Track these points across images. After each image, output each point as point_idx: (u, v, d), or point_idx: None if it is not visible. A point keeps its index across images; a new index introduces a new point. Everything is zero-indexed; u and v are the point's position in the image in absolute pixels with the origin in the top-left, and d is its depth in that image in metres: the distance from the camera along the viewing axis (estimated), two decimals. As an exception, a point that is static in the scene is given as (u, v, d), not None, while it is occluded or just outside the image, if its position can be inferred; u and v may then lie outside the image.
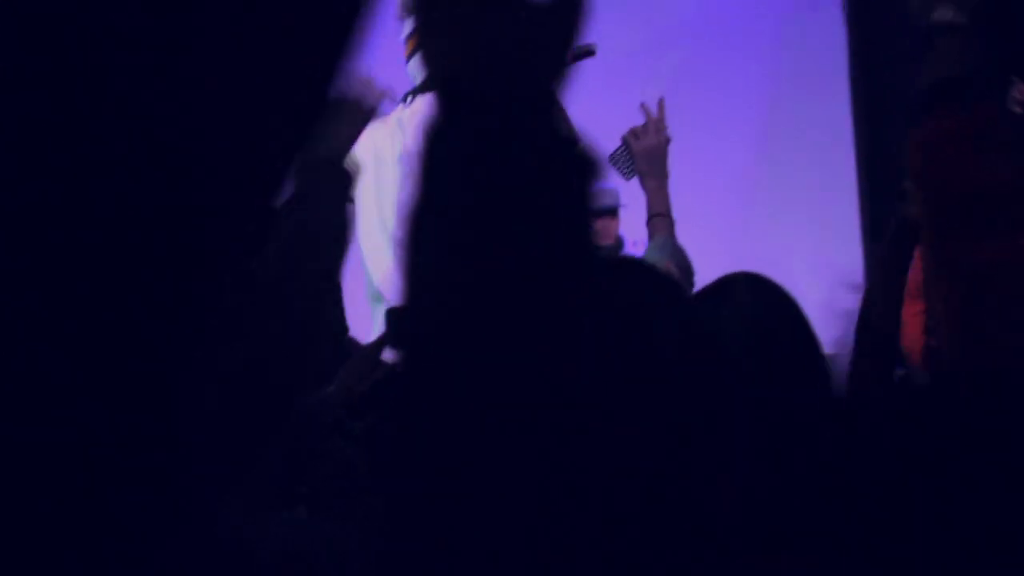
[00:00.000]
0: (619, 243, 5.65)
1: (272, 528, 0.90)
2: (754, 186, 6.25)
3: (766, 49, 6.36)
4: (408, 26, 3.98)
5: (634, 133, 3.60)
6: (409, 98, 3.91)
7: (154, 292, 0.76)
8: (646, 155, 3.53)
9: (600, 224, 5.71)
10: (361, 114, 2.14)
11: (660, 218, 3.40)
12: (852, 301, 6.17)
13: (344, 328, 3.01)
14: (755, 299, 1.87)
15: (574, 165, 1.08)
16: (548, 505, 1.25)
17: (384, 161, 3.92)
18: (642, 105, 3.61)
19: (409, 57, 3.96)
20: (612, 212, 5.72)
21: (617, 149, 3.92)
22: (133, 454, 0.78)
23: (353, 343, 2.91)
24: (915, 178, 2.11)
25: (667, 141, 3.50)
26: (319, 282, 1.84)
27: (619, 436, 1.36)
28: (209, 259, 0.79)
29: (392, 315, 2.47)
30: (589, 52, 3.88)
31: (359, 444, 2.18)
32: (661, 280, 1.58)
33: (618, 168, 4.09)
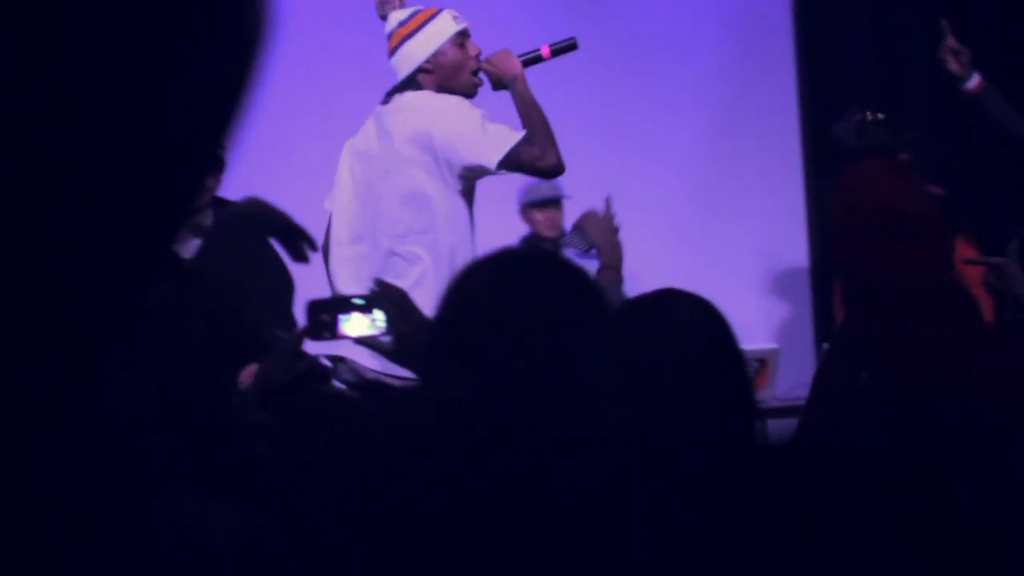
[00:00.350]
0: (562, 235, 5.64)
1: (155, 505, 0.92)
2: (703, 181, 6.26)
3: (716, 48, 6.37)
4: (390, 23, 3.97)
5: (587, 218, 3.77)
6: (392, 96, 3.87)
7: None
8: (602, 233, 3.69)
9: (544, 215, 5.73)
10: None
11: (609, 270, 3.56)
12: (798, 292, 6.25)
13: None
14: (684, 318, 1.93)
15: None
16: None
17: (353, 171, 3.90)
18: (607, 199, 3.78)
19: (391, 53, 3.93)
20: (556, 203, 5.72)
21: (571, 232, 4.00)
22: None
23: (276, 336, 2.92)
24: (837, 208, 2.73)
25: (616, 230, 3.69)
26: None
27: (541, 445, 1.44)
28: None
29: (313, 307, 2.46)
30: (572, 46, 3.97)
31: (263, 435, 2.18)
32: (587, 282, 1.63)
33: (575, 247, 4.16)
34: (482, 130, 3.68)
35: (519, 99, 3.82)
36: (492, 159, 3.66)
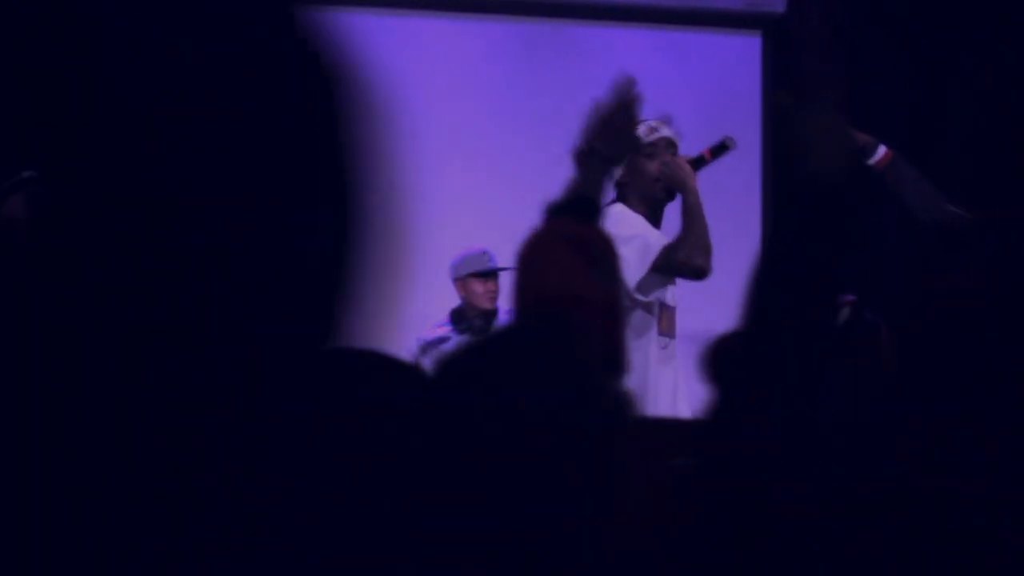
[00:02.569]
0: (496, 311, 5.35)
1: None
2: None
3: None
4: None
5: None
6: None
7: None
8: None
9: (486, 287, 5.45)
10: None
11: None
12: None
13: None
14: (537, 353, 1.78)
15: None
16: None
17: None
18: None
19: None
20: (494, 275, 5.42)
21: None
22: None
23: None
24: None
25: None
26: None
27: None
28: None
29: None
30: (726, 147, 4.26)
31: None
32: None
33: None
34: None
35: (686, 207, 4.18)
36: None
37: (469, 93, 6.41)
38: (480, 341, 1.80)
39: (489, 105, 6.40)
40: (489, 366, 1.66)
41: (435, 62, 6.38)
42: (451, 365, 1.70)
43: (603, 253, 2.21)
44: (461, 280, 5.46)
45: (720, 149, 4.27)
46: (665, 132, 4.31)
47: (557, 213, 2.23)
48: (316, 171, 0.86)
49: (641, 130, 4.23)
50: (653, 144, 4.26)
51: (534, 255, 2.17)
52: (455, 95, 6.34)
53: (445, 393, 1.62)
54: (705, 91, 6.40)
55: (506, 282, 5.39)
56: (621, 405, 1.65)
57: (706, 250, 4.13)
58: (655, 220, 4.26)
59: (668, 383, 4.16)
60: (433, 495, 1.49)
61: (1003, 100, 2.19)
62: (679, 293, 4.29)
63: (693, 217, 4.15)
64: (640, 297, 4.12)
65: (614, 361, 2.10)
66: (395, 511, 1.39)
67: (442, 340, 5.29)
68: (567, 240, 2.18)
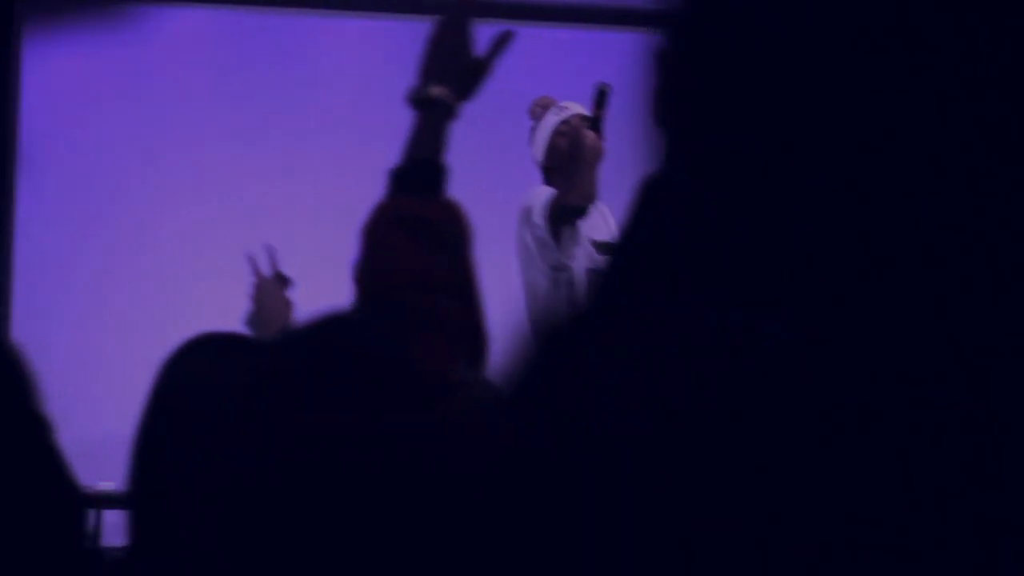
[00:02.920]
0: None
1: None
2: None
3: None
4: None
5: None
6: None
7: None
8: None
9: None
10: None
11: None
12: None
13: None
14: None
15: None
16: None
17: None
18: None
19: None
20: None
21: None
22: None
23: None
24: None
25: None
26: None
27: None
28: None
29: None
30: (604, 94, 4.25)
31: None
32: None
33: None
34: None
35: (571, 156, 4.21)
36: None
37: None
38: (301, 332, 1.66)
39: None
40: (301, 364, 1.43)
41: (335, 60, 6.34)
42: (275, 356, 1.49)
43: (448, 231, 2.00)
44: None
45: (600, 98, 4.28)
46: (576, 108, 4.44)
47: (396, 187, 2.02)
48: None
49: (552, 111, 4.48)
50: (566, 122, 4.40)
51: (369, 240, 1.99)
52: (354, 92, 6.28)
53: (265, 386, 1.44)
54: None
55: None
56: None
57: (582, 193, 4.15)
58: None
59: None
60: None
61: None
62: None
63: (573, 162, 4.16)
64: (565, 261, 4.19)
65: (474, 347, 1.94)
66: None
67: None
68: (403, 221, 1.99)
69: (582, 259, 4.24)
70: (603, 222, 4.44)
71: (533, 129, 4.61)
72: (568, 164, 4.19)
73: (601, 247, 4.26)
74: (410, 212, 1.98)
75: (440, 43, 2.04)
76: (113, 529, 3.69)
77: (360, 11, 6.42)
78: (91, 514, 1.92)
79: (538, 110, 4.62)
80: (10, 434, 1.62)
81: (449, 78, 2.02)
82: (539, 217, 4.22)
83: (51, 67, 6.19)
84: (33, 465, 1.69)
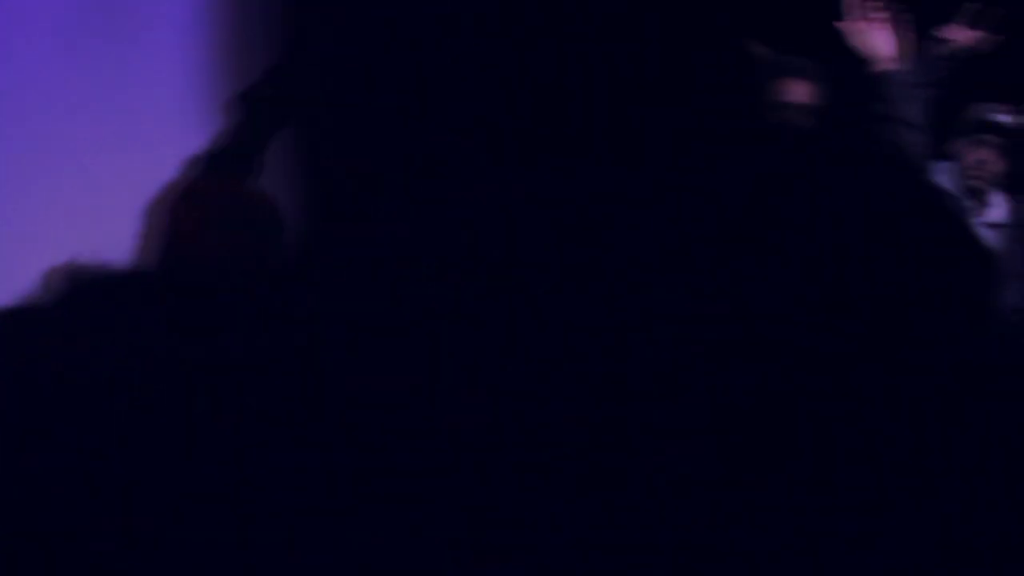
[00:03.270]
0: None
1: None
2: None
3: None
4: None
5: None
6: None
7: None
8: None
9: None
10: None
11: None
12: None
13: None
14: None
15: None
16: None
17: None
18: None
19: None
20: None
21: None
22: None
23: None
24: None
25: None
26: None
27: None
28: None
29: None
30: None
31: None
32: None
33: None
34: None
35: None
36: None
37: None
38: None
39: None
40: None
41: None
42: None
43: (235, 209, 2.03)
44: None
45: None
46: None
47: (203, 167, 2.17)
48: None
49: None
50: None
51: (151, 216, 2.03)
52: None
53: None
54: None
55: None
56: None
57: None
58: None
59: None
60: None
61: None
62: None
63: None
64: None
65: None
66: None
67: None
68: (185, 197, 2.03)
69: None
70: None
71: None
72: None
73: None
74: (196, 187, 2.12)
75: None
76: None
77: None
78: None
79: None
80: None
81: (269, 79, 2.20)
82: None
83: None
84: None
